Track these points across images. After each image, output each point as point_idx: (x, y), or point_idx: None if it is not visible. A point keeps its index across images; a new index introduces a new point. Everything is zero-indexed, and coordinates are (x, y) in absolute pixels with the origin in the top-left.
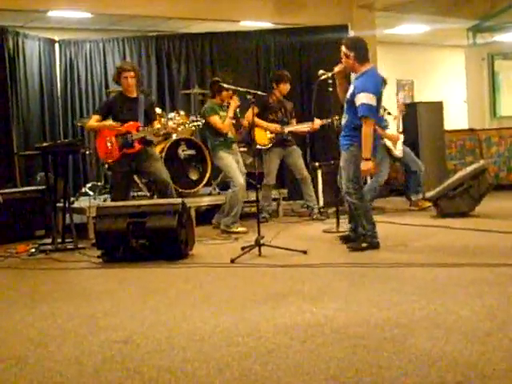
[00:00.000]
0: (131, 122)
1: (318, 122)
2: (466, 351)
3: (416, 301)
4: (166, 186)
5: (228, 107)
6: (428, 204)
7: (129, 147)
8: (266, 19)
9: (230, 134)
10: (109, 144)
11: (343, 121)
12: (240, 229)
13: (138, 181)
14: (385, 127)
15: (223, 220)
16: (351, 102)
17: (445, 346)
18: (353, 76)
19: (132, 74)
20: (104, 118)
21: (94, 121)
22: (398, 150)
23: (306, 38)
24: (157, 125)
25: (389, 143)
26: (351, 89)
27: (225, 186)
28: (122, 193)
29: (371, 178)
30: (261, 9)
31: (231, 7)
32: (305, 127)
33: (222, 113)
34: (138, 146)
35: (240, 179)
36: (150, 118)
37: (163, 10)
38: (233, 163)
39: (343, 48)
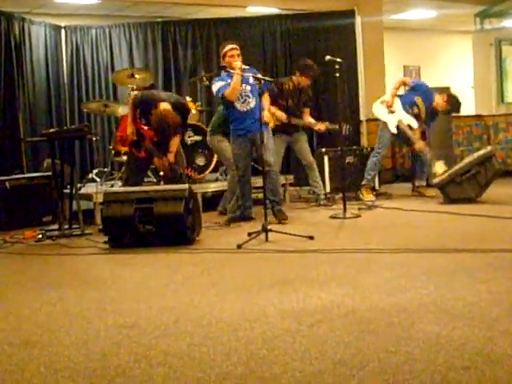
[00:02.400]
0: (150, 131)
1: (322, 127)
2: (473, 336)
3: (423, 286)
4: (179, 178)
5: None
6: (431, 193)
7: (135, 149)
8: (273, 5)
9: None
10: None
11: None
12: None
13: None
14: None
15: (228, 207)
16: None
17: (452, 332)
18: None
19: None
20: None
21: (132, 105)
22: (391, 124)
23: (313, 24)
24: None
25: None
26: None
27: None
28: (136, 176)
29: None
30: None
31: None
32: (311, 123)
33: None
34: (143, 155)
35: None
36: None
37: None
38: (228, 147)
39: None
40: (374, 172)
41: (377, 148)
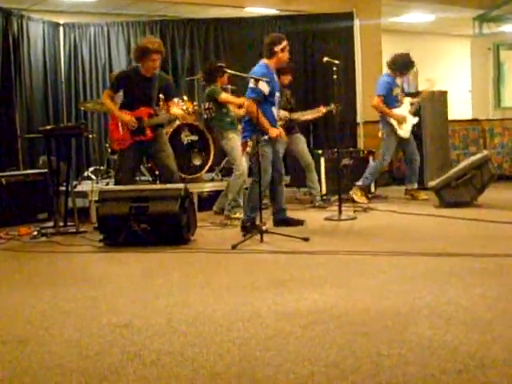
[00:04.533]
0: (143, 108)
1: (322, 110)
2: (467, 340)
3: (417, 290)
4: (172, 173)
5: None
6: (423, 196)
7: (140, 134)
8: (272, 6)
9: (233, 113)
10: (121, 129)
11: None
12: (240, 215)
13: (141, 166)
14: (396, 106)
15: (226, 206)
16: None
17: (445, 335)
18: None
19: (159, 56)
20: (115, 93)
21: (107, 97)
22: (405, 130)
23: (311, 26)
24: (173, 109)
25: (393, 122)
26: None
27: (227, 172)
28: (127, 175)
29: (373, 161)
30: None
31: None
32: (309, 115)
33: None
34: (149, 134)
35: (243, 165)
36: (167, 96)
37: None
38: (239, 147)
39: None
40: (373, 177)
41: (383, 155)
